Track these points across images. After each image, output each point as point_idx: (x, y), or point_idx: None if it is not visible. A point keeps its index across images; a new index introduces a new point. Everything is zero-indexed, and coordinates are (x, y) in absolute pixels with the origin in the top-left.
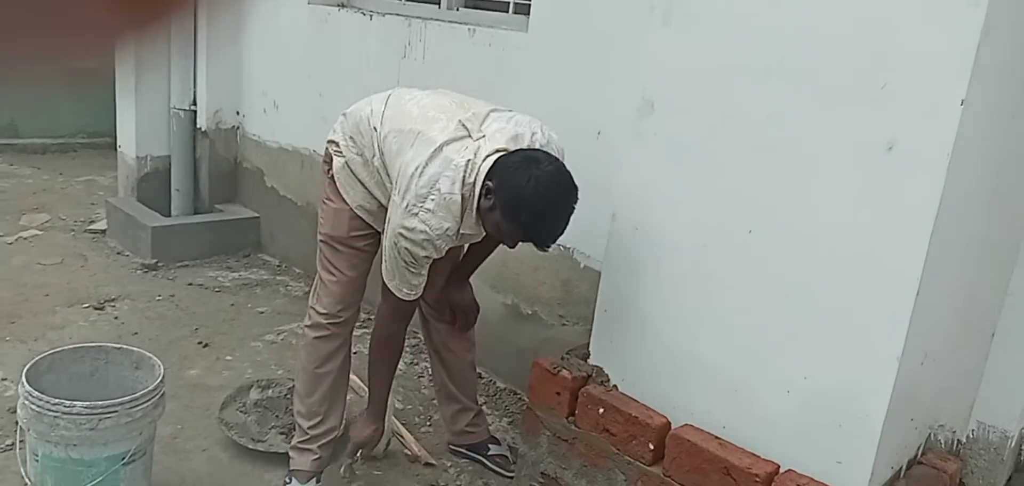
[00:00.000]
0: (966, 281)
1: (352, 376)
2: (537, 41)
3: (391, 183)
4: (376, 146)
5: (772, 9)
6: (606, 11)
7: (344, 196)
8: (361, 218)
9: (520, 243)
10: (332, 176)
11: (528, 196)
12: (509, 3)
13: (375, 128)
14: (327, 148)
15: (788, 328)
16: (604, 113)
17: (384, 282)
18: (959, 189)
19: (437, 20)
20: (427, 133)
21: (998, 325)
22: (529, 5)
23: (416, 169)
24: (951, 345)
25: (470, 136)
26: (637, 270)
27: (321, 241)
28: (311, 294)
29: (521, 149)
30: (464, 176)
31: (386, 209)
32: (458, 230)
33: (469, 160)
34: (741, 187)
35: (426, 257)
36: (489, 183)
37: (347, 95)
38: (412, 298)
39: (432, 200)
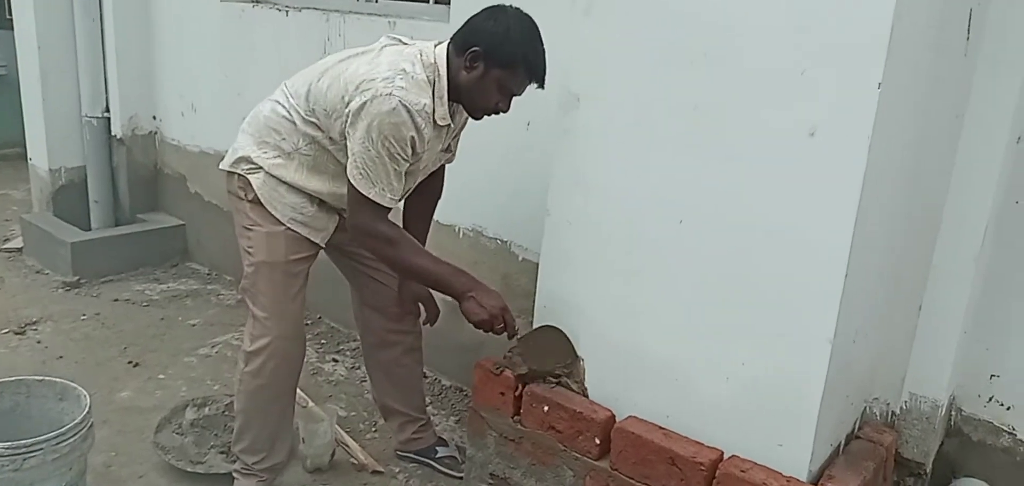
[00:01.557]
0: (892, 257)
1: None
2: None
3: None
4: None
5: None
6: (527, 1)
7: (274, 214)
8: (296, 234)
9: (512, 100)
10: (252, 199)
11: (517, 34)
12: None
13: (309, 92)
14: (236, 173)
15: (723, 316)
16: (533, 104)
17: (359, 202)
18: (881, 170)
19: (355, 13)
20: (361, 54)
21: (924, 298)
22: None
23: (370, 66)
24: (881, 320)
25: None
26: (573, 263)
27: (252, 272)
28: (246, 336)
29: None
30: (422, 60)
31: (325, 206)
32: (432, 116)
33: (420, 50)
34: (670, 178)
35: (411, 141)
36: (475, 49)
37: (267, 94)
38: (393, 203)
39: (400, 79)
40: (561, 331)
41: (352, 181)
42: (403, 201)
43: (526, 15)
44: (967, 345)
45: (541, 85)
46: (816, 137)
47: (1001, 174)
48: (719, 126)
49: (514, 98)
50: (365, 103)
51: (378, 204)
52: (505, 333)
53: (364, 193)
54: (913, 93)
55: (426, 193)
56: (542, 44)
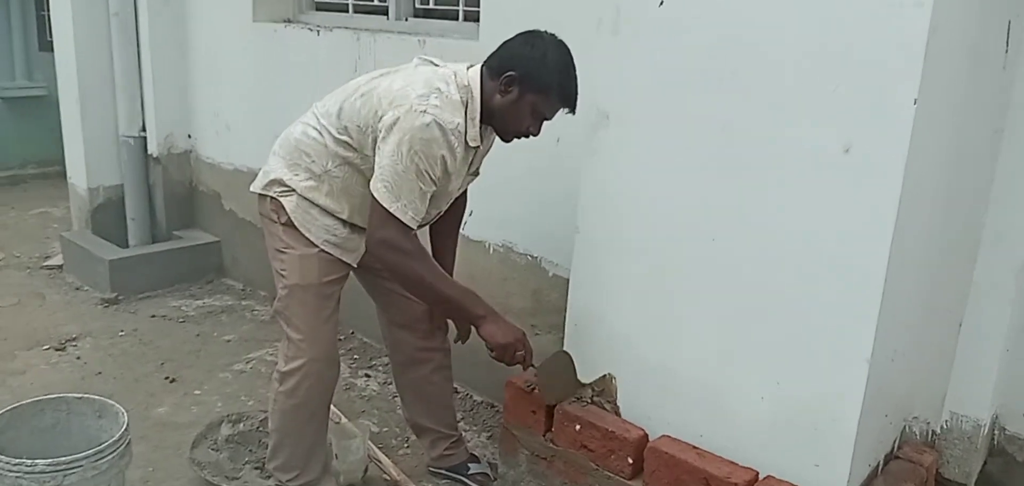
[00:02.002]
0: (930, 275)
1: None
2: (488, 50)
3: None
4: (358, 122)
5: (720, 17)
6: (553, 20)
7: (307, 236)
8: (330, 256)
9: (544, 125)
10: (285, 222)
11: (553, 61)
12: (459, 12)
13: (340, 109)
14: (269, 195)
15: (758, 335)
16: (562, 120)
17: (382, 217)
18: (917, 186)
19: (386, 32)
20: (395, 73)
21: (964, 316)
22: (478, 13)
23: (405, 83)
24: (920, 339)
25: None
26: (604, 282)
27: (285, 294)
28: (280, 357)
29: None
30: (456, 81)
31: (357, 228)
32: (465, 136)
33: (455, 70)
34: (701, 196)
35: (442, 160)
36: (511, 73)
37: (299, 113)
38: (416, 223)
39: (435, 97)
40: (570, 358)
41: (375, 194)
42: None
43: (561, 42)
44: (1010, 362)
45: (573, 111)
46: (851, 154)
47: None
48: (750, 144)
49: (545, 122)
50: (399, 118)
51: (401, 221)
52: (523, 364)
53: (386, 206)
54: (950, 108)
55: (451, 211)
56: (576, 71)
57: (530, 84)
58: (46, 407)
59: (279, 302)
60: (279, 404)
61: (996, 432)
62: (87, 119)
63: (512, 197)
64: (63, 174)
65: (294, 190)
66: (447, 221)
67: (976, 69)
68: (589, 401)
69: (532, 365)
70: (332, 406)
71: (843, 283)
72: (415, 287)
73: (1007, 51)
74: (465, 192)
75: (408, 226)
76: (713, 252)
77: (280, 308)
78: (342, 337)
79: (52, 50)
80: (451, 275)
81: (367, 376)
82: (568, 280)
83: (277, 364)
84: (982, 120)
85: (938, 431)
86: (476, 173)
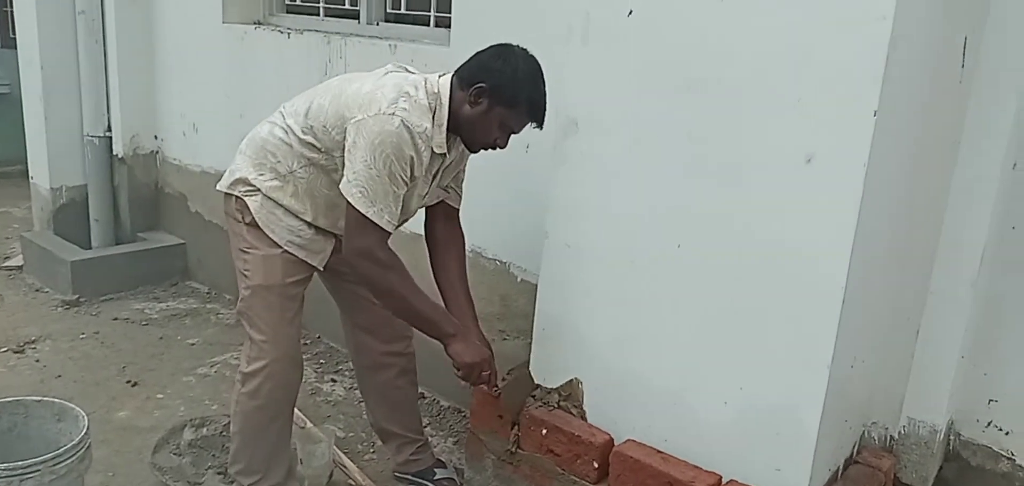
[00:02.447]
0: (890, 282)
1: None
2: (459, 56)
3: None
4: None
5: (688, 27)
6: (525, 28)
7: (271, 237)
8: (294, 257)
9: (510, 138)
10: (249, 222)
11: (523, 76)
12: (430, 18)
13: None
14: (233, 194)
15: (721, 341)
16: (531, 128)
17: (359, 224)
18: (877, 196)
19: (356, 36)
20: (365, 77)
21: (921, 323)
22: (450, 19)
23: (375, 87)
24: (879, 345)
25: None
26: (571, 288)
27: (248, 294)
28: (243, 358)
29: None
30: (426, 87)
31: (322, 231)
32: (430, 140)
33: (425, 78)
34: (667, 203)
35: (410, 161)
36: (481, 85)
37: (267, 115)
38: (393, 227)
39: (404, 101)
40: (530, 375)
41: (351, 200)
42: (432, 272)
43: (532, 57)
44: (965, 370)
45: (540, 126)
46: (813, 164)
47: (997, 200)
48: (716, 152)
49: (512, 136)
50: (368, 122)
51: (378, 226)
52: (487, 383)
53: (363, 212)
54: (909, 120)
55: (452, 247)
56: (545, 86)
57: (499, 97)
58: (3, 411)
59: (242, 302)
60: (241, 406)
61: (952, 437)
62: (51, 118)
63: (481, 202)
64: (25, 173)
65: (259, 190)
66: (448, 260)
67: (934, 83)
68: (555, 406)
69: (497, 387)
70: (297, 410)
71: (805, 290)
72: (388, 300)
73: (963, 66)
74: (459, 227)
75: (385, 231)
76: (678, 257)
77: (243, 308)
78: (308, 342)
79: (15, 47)
80: (472, 314)
81: (333, 381)
82: (536, 286)
83: (239, 365)
84: (939, 133)
85: (896, 436)
86: (449, 189)
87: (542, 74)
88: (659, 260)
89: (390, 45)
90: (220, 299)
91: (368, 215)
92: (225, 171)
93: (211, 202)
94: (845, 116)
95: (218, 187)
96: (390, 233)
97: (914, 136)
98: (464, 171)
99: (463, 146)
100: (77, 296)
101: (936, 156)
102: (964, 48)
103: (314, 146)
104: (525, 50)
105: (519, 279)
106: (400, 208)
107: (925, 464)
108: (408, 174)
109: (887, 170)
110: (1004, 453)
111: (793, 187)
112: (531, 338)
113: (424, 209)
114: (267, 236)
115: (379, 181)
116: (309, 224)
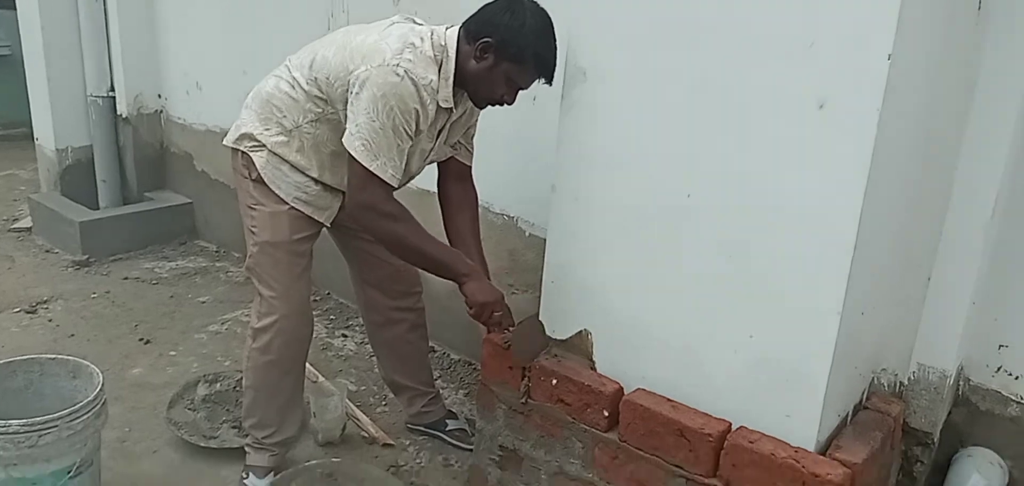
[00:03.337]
0: (901, 228)
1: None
2: (466, 4)
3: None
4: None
5: None
6: None
7: (277, 193)
8: (301, 213)
9: (518, 94)
10: (256, 178)
11: (531, 30)
12: None
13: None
14: (239, 150)
15: (731, 289)
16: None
17: (362, 178)
18: (890, 142)
19: None
20: (371, 28)
21: (933, 269)
22: None
23: (379, 38)
24: (890, 292)
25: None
26: (580, 239)
27: (256, 251)
28: (253, 314)
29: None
30: (432, 39)
31: (328, 187)
32: (436, 93)
33: (432, 30)
34: (676, 152)
35: (415, 114)
36: (487, 40)
37: (271, 70)
38: (396, 181)
39: (409, 52)
40: (541, 324)
41: (354, 153)
42: (445, 230)
43: (542, 10)
44: (976, 315)
45: (550, 83)
46: (825, 109)
47: (1012, 145)
48: (726, 99)
49: (520, 92)
50: (371, 73)
51: (382, 180)
52: (500, 325)
53: (366, 165)
54: (923, 64)
55: (465, 205)
56: (555, 41)
57: (506, 52)
58: (18, 369)
59: (251, 259)
60: (253, 361)
61: (961, 383)
62: (53, 78)
63: (488, 157)
64: (30, 135)
65: (264, 145)
66: (461, 219)
67: (949, 25)
68: (564, 356)
69: (509, 328)
70: (309, 365)
71: (816, 238)
72: (399, 249)
73: (979, 8)
74: (472, 183)
75: (389, 185)
76: (687, 207)
77: (252, 265)
78: (318, 298)
79: (15, 8)
80: (485, 270)
81: (344, 336)
82: (544, 240)
83: (250, 321)
84: (954, 76)
85: (905, 382)
86: (458, 145)
87: (552, 28)
88: (668, 209)
89: None
90: (229, 257)
91: (371, 168)
92: (229, 129)
93: (217, 161)
94: (859, 60)
95: (224, 142)
96: (394, 187)
97: (929, 80)
98: (475, 126)
99: (474, 108)
100: (87, 256)
101: (952, 101)
102: None
103: (320, 98)
104: (535, 3)
105: (527, 233)
106: (404, 153)
107: (934, 409)
108: (413, 128)
109: (901, 115)
110: (1014, 398)
111: (805, 133)
112: (540, 292)
113: (436, 166)
114: (274, 193)
115: (382, 134)
116: (315, 180)
